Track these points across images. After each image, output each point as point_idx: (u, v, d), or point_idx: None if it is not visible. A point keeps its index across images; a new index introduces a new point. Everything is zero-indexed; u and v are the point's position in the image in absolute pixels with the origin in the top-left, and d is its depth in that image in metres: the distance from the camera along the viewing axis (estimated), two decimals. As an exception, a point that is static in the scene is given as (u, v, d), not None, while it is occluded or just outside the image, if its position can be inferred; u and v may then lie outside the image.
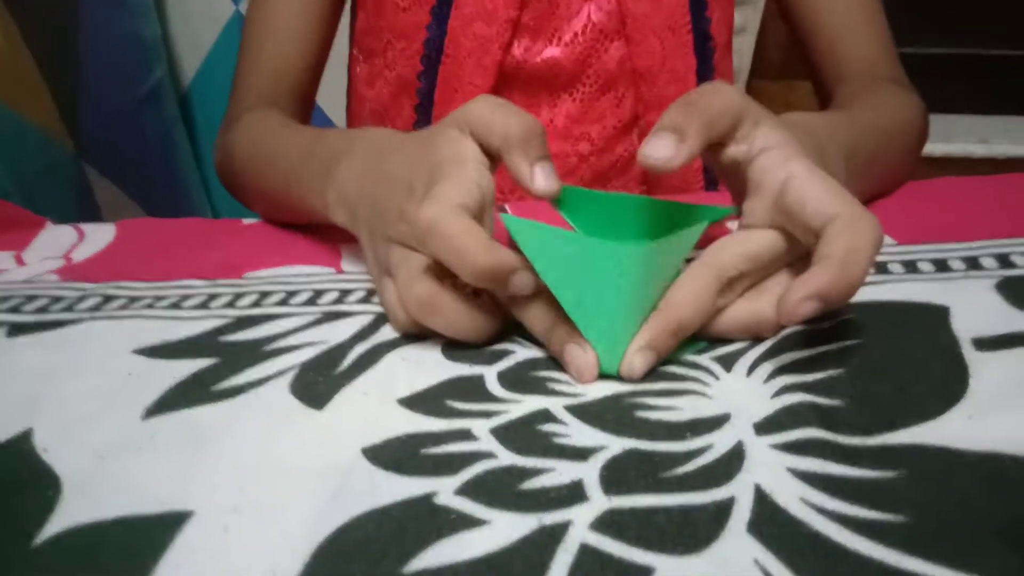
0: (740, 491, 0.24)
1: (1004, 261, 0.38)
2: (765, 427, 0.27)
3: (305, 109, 0.66)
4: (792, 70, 1.54)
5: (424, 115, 0.63)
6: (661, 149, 0.33)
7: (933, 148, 1.46)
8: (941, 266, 0.38)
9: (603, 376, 0.31)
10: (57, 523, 0.25)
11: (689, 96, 0.35)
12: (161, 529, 0.24)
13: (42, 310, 0.41)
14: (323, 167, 0.43)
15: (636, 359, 0.31)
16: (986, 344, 0.31)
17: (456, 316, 0.33)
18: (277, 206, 0.53)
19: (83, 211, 1.18)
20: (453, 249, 0.31)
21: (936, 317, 0.33)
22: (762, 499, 0.24)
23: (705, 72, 0.64)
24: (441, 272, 0.33)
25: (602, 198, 0.39)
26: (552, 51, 0.60)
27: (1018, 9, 1.54)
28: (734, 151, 0.35)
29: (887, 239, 0.42)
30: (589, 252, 0.32)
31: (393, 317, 0.36)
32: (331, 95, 0.77)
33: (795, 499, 0.23)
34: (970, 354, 0.30)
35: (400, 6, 0.61)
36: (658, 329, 0.31)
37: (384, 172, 0.38)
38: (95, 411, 0.32)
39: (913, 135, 0.54)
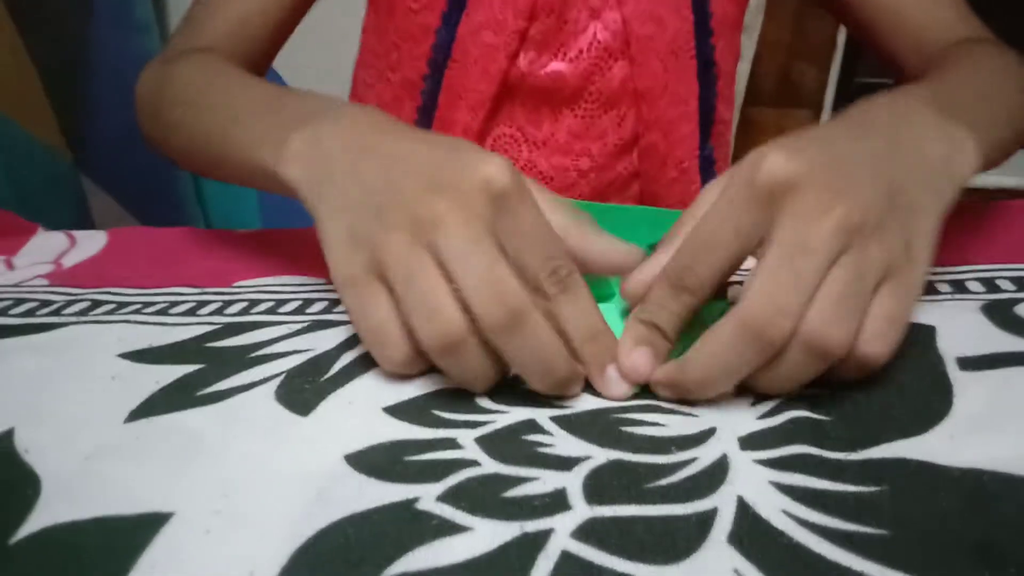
0: (722, 503, 0.24)
1: (990, 285, 0.38)
2: (750, 442, 0.27)
3: (262, 67, 0.62)
4: (786, 98, 1.56)
5: (426, 117, 0.64)
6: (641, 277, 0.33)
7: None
8: (928, 289, 0.38)
9: (591, 391, 0.32)
10: (35, 522, 0.25)
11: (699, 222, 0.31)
12: (141, 530, 0.24)
13: (29, 313, 0.41)
14: (292, 118, 0.38)
15: (636, 356, 0.31)
16: (971, 364, 0.31)
17: (479, 362, 0.30)
18: (205, 150, 0.46)
19: (79, 222, 1.18)
20: (542, 352, 0.29)
21: (922, 336, 0.33)
22: (744, 510, 0.24)
23: (707, 97, 0.64)
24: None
25: (600, 210, 0.39)
26: (557, 65, 0.61)
27: (1010, 39, 1.56)
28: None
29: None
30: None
31: (384, 343, 0.31)
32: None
33: (777, 511, 0.23)
34: (955, 373, 0.30)
35: (411, 8, 0.61)
36: (665, 373, 0.30)
37: (397, 153, 0.33)
38: (79, 413, 0.31)
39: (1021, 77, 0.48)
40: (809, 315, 0.27)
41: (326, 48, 0.87)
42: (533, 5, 0.58)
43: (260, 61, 0.62)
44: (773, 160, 0.29)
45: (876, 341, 0.28)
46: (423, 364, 0.32)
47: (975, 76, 0.46)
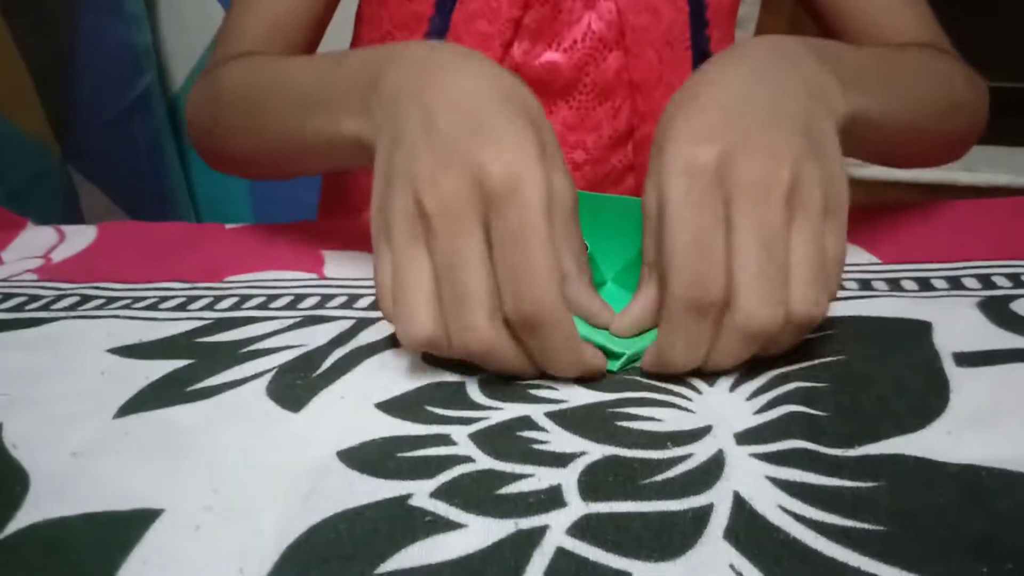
0: (718, 498, 0.24)
1: (986, 282, 0.38)
2: (746, 437, 0.27)
3: None
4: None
5: None
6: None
7: (919, 174, 1.48)
8: (924, 285, 0.38)
9: (586, 385, 0.31)
10: (23, 518, 0.25)
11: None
12: (130, 526, 0.24)
13: (18, 308, 0.41)
14: (362, 74, 0.37)
15: None
16: (967, 360, 0.31)
17: (516, 357, 0.31)
18: (278, 146, 0.45)
19: (67, 217, 1.17)
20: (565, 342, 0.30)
21: (919, 332, 0.33)
22: (740, 506, 0.23)
23: None
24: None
25: (596, 199, 0.38)
26: (552, 55, 0.60)
27: (1001, 42, 1.56)
28: None
29: (871, 258, 0.42)
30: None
31: (409, 319, 0.30)
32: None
33: (773, 506, 0.23)
34: (951, 369, 0.30)
35: None
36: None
37: (430, 110, 0.32)
38: (67, 409, 0.31)
39: (955, 87, 0.49)
40: (794, 297, 0.29)
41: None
42: None
43: (307, 51, 0.61)
44: (696, 152, 0.29)
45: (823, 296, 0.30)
46: (439, 348, 0.31)
47: (886, 58, 0.47)
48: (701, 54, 0.63)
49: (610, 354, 0.33)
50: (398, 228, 0.30)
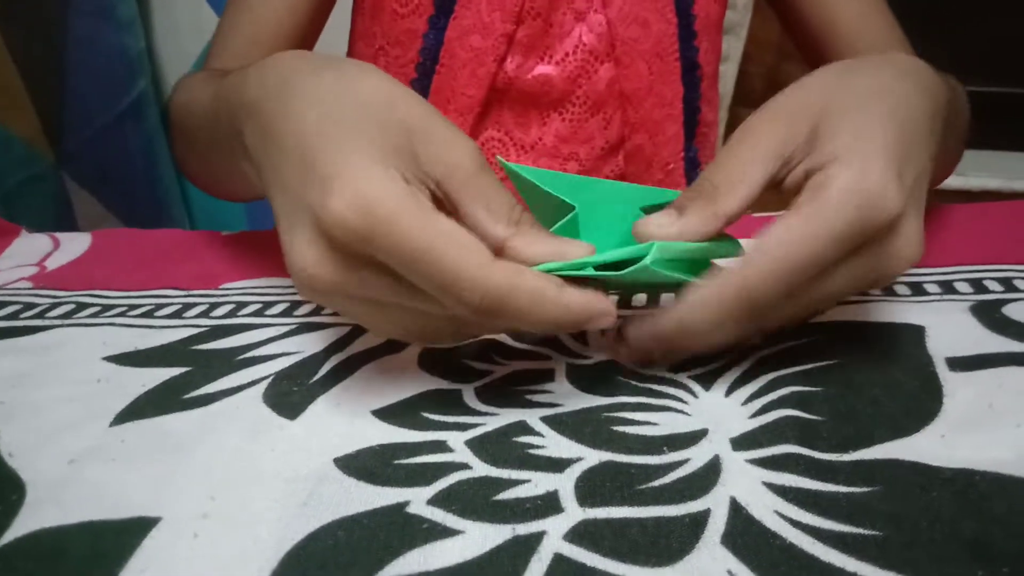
0: (715, 504, 0.24)
1: (978, 286, 0.38)
2: (742, 443, 0.27)
3: None
4: (773, 99, 1.56)
5: None
6: (652, 227, 0.30)
7: (910, 180, 1.48)
8: (917, 289, 0.38)
9: (582, 389, 0.31)
10: (19, 527, 0.25)
11: (710, 169, 0.31)
12: (128, 534, 0.24)
13: (13, 316, 0.41)
14: (231, 125, 0.34)
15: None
16: (960, 364, 0.31)
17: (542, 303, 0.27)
18: (210, 167, 0.46)
19: (60, 223, 1.17)
20: (523, 304, 0.26)
21: (912, 336, 0.33)
22: (737, 511, 0.23)
23: (692, 99, 0.65)
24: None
25: (582, 183, 0.35)
26: (544, 68, 0.61)
27: (992, 47, 1.57)
28: (790, 183, 0.30)
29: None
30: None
31: (415, 334, 0.29)
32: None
33: (770, 512, 0.23)
34: (944, 374, 0.30)
35: (399, 13, 0.61)
36: (658, 328, 0.29)
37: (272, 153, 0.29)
38: (63, 417, 0.31)
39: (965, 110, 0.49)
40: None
41: (320, 48, 0.86)
42: (520, 8, 0.58)
43: None
44: (877, 204, 0.27)
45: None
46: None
47: (958, 109, 0.46)
48: (690, 65, 0.64)
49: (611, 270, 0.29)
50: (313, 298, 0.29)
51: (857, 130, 0.29)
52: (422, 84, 0.62)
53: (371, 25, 0.64)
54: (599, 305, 0.27)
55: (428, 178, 0.28)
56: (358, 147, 0.26)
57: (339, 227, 0.25)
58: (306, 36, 0.63)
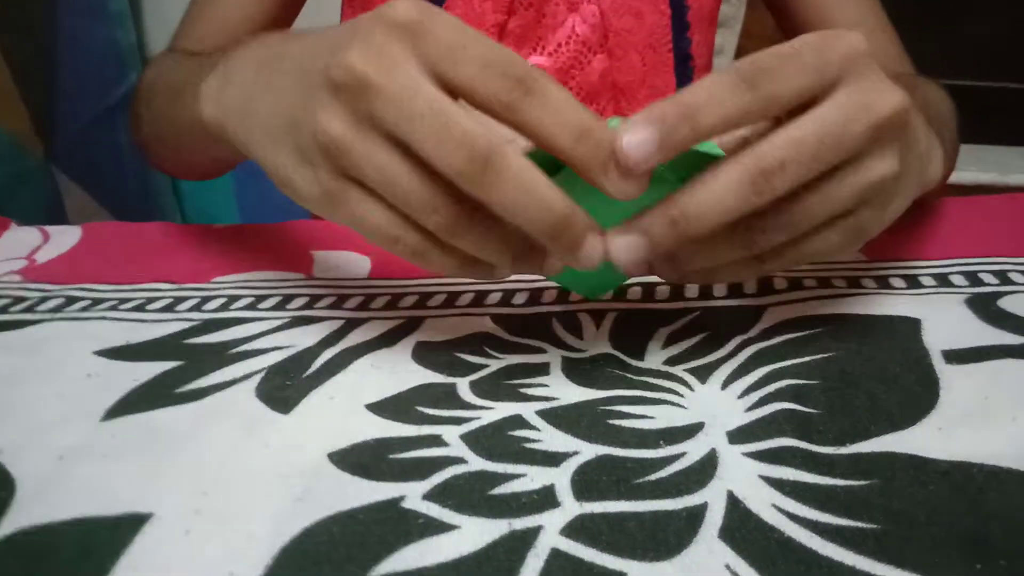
0: (712, 497, 0.24)
1: (973, 279, 0.38)
2: (739, 436, 0.27)
3: None
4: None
5: None
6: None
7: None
8: (912, 282, 0.38)
9: (577, 383, 0.31)
10: (9, 524, 0.24)
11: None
12: (120, 531, 0.24)
13: (2, 310, 0.40)
14: (211, 65, 0.36)
15: (621, 241, 0.27)
16: (956, 357, 0.31)
17: (490, 233, 0.27)
18: (165, 138, 0.47)
19: (51, 217, 1.16)
20: (521, 185, 0.25)
21: (908, 329, 0.33)
22: (734, 505, 0.23)
23: None
24: None
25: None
26: (536, 59, 0.60)
27: (987, 43, 1.57)
28: None
29: (858, 256, 0.42)
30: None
31: (397, 240, 0.28)
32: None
33: (767, 506, 0.23)
34: (940, 366, 0.30)
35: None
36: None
37: (296, 51, 0.30)
38: (54, 412, 0.31)
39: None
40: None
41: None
42: None
43: None
44: (843, 36, 0.27)
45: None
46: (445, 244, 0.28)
47: (930, 100, 0.47)
48: (683, 57, 0.63)
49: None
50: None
51: None
52: None
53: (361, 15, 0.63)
54: (582, 217, 0.26)
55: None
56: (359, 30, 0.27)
57: (351, 68, 0.26)
58: (275, 28, 0.61)
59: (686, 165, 0.28)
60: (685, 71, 0.64)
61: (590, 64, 0.61)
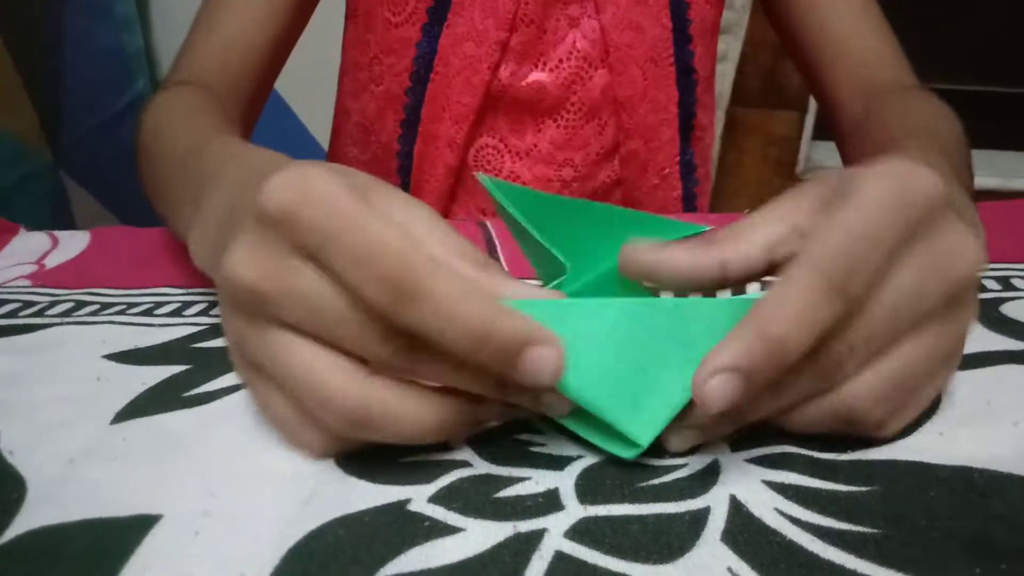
0: (715, 501, 0.24)
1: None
2: (741, 443, 0.27)
3: (254, 96, 0.61)
4: (772, 98, 1.57)
5: (409, 131, 0.63)
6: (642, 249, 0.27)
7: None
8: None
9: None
10: (20, 525, 0.25)
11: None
12: (129, 532, 0.24)
13: (12, 315, 0.41)
14: (194, 187, 0.35)
15: (715, 382, 0.22)
16: (958, 362, 0.31)
17: (412, 413, 0.25)
18: (159, 205, 0.46)
19: (58, 221, 1.17)
20: (441, 305, 0.22)
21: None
22: (737, 509, 0.24)
23: (687, 104, 0.64)
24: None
25: (562, 204, 0.34)
26: (537, 75, 0.60)
27: (991, 47, 1.57)
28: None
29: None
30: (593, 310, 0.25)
31: (299, 440, 0.27)
32: (310, 105, 0.76)
33: (770, 510, 0.23)
34: (943, 372, 0.30)
35: (392, 22, 0.61)
36: (746, 344, 0.22)
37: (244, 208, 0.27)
38: (63, 415, 0.31)
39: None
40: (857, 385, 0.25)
41: (315, 54, 0.86)
42: (513, 16, 0.58)
43: (250, 89, 0.60)
44: (929, 178, 0.25)
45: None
46: (349, 446, 0.27)
47: (946, 139, 0.46)
48: (684, 70, 0.63)
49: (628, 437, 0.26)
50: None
51: None
52: (416, 92, 0.62)
53: (364, 33, 0.64)
54: (539, 333, 0.23)
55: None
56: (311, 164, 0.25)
57: (272, 199, 0.23)
58: (277, 53, 0.62)
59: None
60: (687, 84, 0.64)
61: (591, 80, 0.61)
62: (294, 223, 0.23)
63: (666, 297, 0.28)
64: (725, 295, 0.26)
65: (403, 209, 0.26)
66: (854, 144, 0.58)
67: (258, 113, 0.64)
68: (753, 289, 0.32)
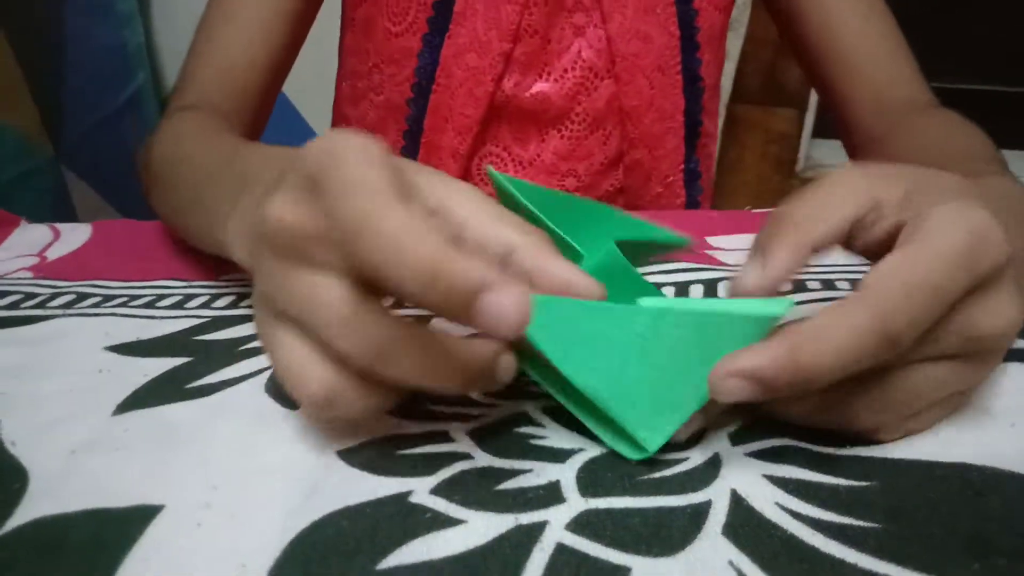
0: (716, 495, 0.24)
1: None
2: (741, 437, 0.27)
3: (258, 113, 0.61)
4: (772, 96, 1.57)
5: (412, 142, 0.63)
6: (746, 280, 0.27)
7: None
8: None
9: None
10: (22, 515, 0.25)
11: (792, 203, 0.28)
12: (131, 523, 0.24)
13: (14, 306, 0.41)
14: (233, 189, 0.35)
15: (733, 382, 0.23)
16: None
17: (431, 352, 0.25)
18: (184, 227, 0.45)
19: (59, 215, 1.17)
20: (385, 237, 0.22)
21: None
22: (738, 503, 0.24)
23: (693, 111, 0.64)
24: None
25: (550, 196, 0.34)
26: (541, 86, 0.60)
27: (995, 46, 1.57)
28: (865, 240, 0.28)
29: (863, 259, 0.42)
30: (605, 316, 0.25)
31: (314, 388, 0.25)
32: (316, 107, 0.76)
33: (770, 503, 0.24)
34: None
35: (392, 31, 0.60)
36: (776, 361, 0.22)
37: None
38: (65, 407, 0.31)
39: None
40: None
41: (323, 57, 0.85)
42: (517, 26, 0.57)
43: (254, 107, 0.60)
44: (998, 235, 0.25)
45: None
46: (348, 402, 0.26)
47: (999, 173, 0.44)
48: (692, 78, 0.62)
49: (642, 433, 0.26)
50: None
51: (955, 199, 0.26)
52: (418, 103, 0.61)
53: (363, 41, 0.63)
54: (499, 279, 0.22)
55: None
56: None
57: (307, 158, 0.24)
58: (279, 67, 0.61)
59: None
60: (694, 91, 0.63)
61: (597, 90, 0.60)
62: (322, 175, 0.24)
63: (692, 299, 0.27)
64: (754, 305, 0.26)
65: (443, 185, 0.27)
66: (871, 159, 0.57)
67: (263, 127, 0.63)
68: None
